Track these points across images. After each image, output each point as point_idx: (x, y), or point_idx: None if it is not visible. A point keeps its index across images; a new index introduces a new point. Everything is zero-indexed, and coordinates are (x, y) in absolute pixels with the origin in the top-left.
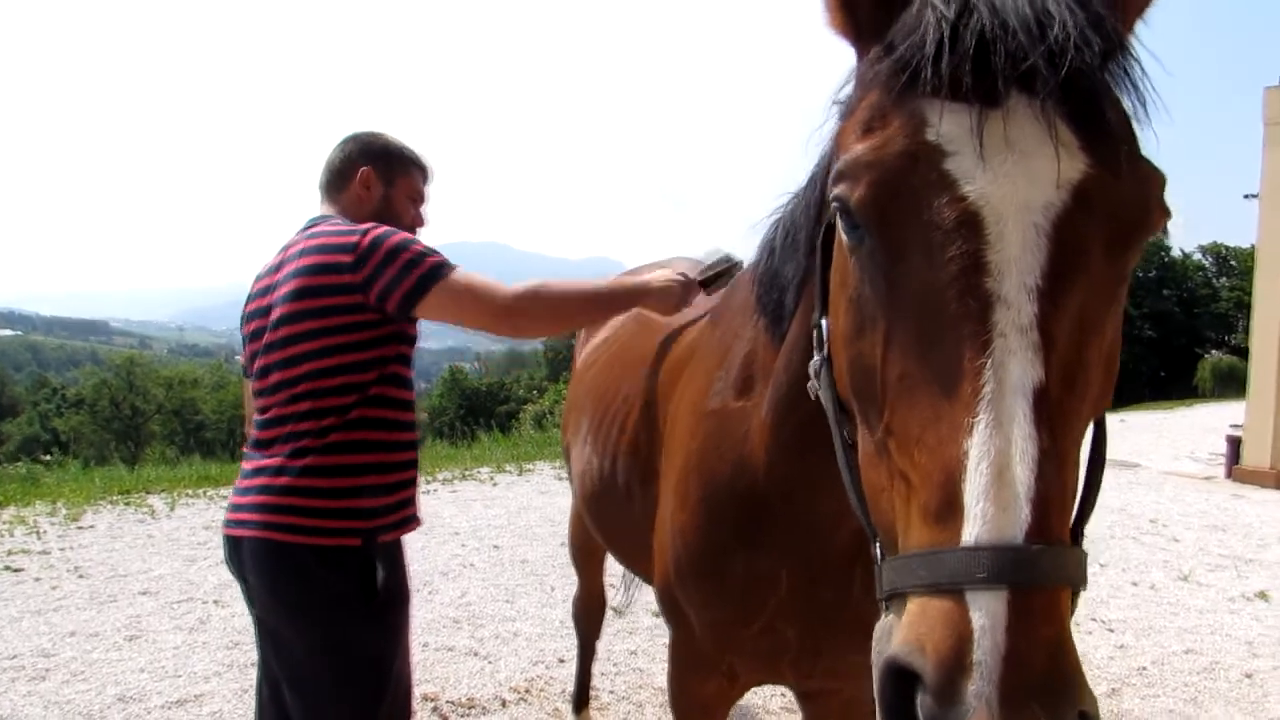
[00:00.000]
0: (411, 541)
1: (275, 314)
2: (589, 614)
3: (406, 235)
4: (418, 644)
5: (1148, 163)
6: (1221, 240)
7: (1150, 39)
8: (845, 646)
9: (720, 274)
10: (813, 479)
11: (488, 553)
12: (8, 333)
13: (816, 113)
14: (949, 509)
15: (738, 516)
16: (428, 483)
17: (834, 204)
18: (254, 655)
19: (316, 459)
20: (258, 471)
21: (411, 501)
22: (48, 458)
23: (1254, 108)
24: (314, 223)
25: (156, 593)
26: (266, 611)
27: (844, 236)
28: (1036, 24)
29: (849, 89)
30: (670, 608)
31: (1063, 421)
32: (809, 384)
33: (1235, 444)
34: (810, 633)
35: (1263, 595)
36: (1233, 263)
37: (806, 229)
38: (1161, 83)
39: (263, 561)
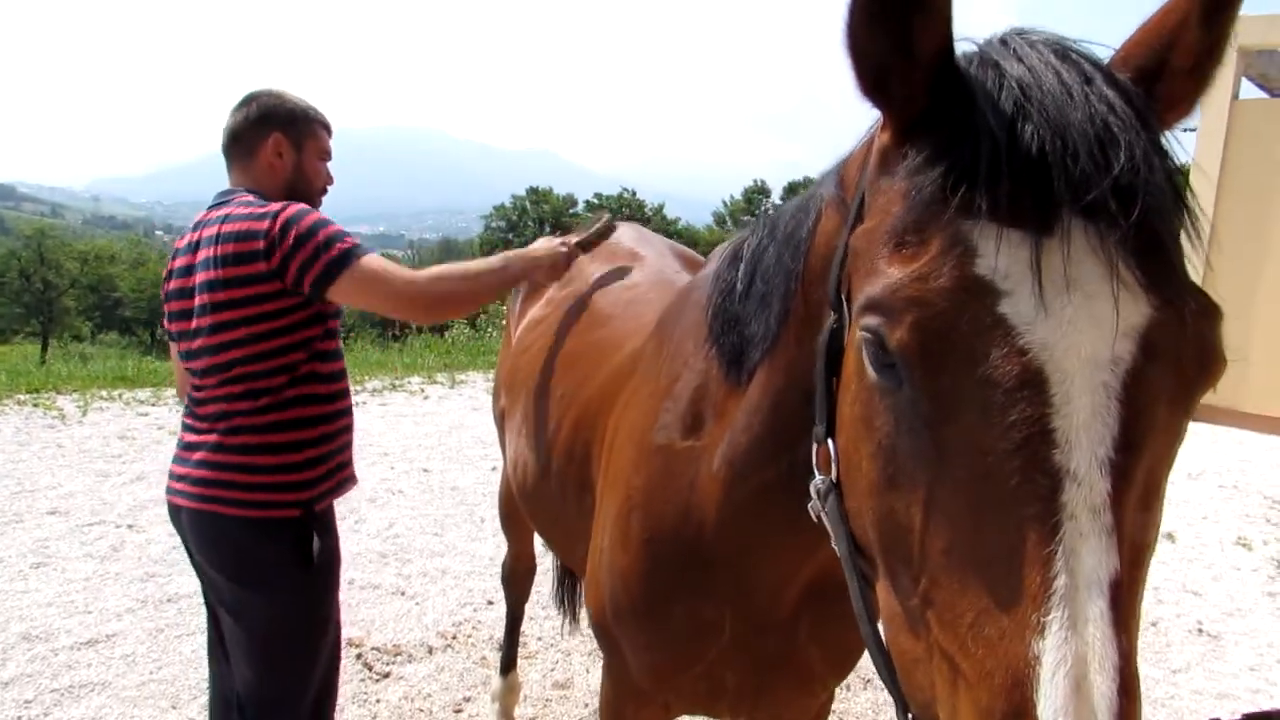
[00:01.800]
0: None
1: (198, 301)
2: (517, 577)
3: (318, 217)
4: (344, 580)
5: (1205, 295)
6: None
7: None
8: (786, 690)
9: (600, 236)
10: (767, 541)
11: (417, 477)
12: None
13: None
14: (1016, 718)
15: (682, 564)
16: (357, 393)
17: (863, 335)
18: (169, 589)
19: (255, 437)
20: (198, 446)
21: (349, 463)
22: None
23: None
24: (225, 199)
25: (66, 513)
26: (208, 580)
27: (871, 373)
28: (1099, 146)
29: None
30: (605, 640)
31: (1132, 607)
32: (809, 504)
33: None
34: (751, 680)
35: (1169, 536)
36: None
37: (780, 297)
38: (1102, 5)
39: (202, 532)
